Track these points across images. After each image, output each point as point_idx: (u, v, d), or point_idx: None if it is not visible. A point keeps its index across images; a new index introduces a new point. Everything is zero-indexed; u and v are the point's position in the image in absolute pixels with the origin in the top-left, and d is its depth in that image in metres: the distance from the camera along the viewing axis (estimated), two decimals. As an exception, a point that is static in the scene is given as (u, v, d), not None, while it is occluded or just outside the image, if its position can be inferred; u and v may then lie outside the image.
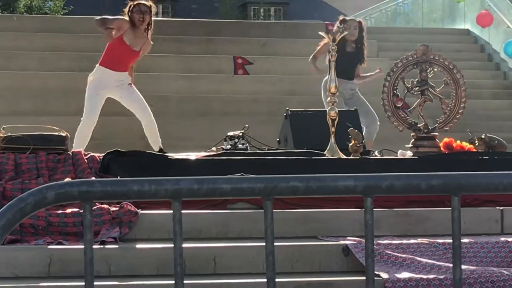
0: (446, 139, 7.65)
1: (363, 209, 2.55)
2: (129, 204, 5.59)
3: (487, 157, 7.19)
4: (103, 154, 6.44)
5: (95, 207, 5.41)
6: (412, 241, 5.40)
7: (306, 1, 46.17)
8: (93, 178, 5.82)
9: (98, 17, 8.53)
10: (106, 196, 2.46)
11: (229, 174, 5.42)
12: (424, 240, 5.42)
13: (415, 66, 7.73)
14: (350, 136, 7.12)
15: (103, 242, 5.23)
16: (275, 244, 2.53)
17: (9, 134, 6.52)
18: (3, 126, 6.66)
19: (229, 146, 7.65)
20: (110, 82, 8.38)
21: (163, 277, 4.88)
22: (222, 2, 44.55)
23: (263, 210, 2.52)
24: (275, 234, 2.53)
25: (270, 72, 13.20)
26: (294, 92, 12.46)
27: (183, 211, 2.50)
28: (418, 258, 5.15)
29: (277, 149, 7.84)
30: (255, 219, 5.58)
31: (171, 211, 2.47)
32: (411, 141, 7.62)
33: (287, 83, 12.73)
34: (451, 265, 4.72)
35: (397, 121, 7.68)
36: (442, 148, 7.53)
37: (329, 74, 7.54)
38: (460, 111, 7.72)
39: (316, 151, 7.06)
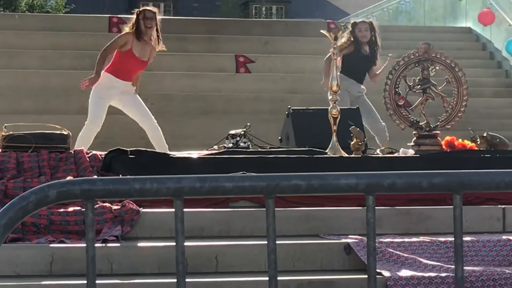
0: (448, 137, 7.64)
1: (365, 207, 2.55)
2: (131, 202, 5.59)
3: (489, 156, 7.19)
4: (105, 152, 6.44)
5: (97, 206, 5.41)
6: (414, 239, 5.40)
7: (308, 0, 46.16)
8: (95, 177, 5.81)
9: (99, 54, 8.43)
10: (108, 194, 2.46)
11: (231, 173, 5.42)
12: (426, 239, 5.42)
13: (417, 65, 7.72)
14: (352, 135, 7.12)
15: (105, 241, 5.23)
16: (277, 242, 2.53)
17: (11, 132, 6.52)
18: (5, 124, 6.66)
19: (231, 145, 7.64)
20: (115, 90, 8.39)
21: (165, 275, 4.88)
22: (223, 0, 44.51)
23: (265, 209, 2.52)
24: (277, 232, 2.53)
25: (272, 70, 13.20)
26: (296, 90, 12.45)
27: (185, 210, 2.50)
28: (419, 257, 5.15)
29: (279, 147, 7.83)
30: (257, 218, 5.58)
31: (173, 210, 2.47)
32: (413, 139, 7.61)
33: (289, 82, 12.73)
34: (452, 263, 4.72)
35: (399, 119, 7.68)
36: (444, 146, 7.52)
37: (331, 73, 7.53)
38: (462, 109, 7.72)
39: (318, 150, 7.05)
